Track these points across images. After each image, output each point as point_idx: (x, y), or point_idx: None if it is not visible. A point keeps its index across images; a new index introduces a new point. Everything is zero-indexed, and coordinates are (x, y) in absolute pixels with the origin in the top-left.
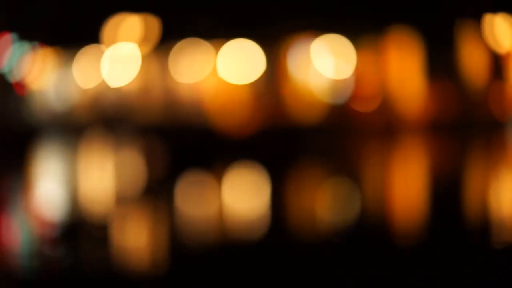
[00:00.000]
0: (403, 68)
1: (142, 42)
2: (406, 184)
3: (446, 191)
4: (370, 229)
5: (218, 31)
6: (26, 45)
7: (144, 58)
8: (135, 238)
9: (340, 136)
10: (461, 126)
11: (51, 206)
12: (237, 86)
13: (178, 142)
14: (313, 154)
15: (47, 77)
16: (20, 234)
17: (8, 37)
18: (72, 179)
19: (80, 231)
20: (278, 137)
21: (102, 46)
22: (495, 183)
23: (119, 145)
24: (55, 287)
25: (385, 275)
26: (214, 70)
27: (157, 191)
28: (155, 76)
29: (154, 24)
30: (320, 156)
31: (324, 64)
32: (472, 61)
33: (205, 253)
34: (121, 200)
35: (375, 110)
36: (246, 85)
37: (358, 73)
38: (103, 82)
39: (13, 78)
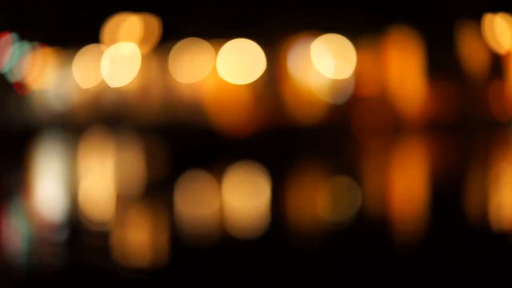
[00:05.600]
0: (403, 68)
1: (142, 42)
2: (406, 184)
3: (446, 191)
4: (370, 229)
5: (218, 31)
6: (26, 45)
7: (144, 58)
8: (135, 237)
9: (340, 136)
10: (461, 126)
11: (51, 206)
12: (237, 86)
13: (178, 142)
14: (313, 154)
15: (47, 77)
16: (20, 234)
17: (8, 37)
18: (72, 178)
19: (80, 231)
20: (278, 136)
21: (102, 46)
22: (495, 183)
23: (119, 145)
24: (55, 285)
25: (385, 274)
26: (214, 70)
27: (157, 191)
28: (155, 76)
29: (154, 24)
30: (320, 156)
31: (324, 64)
32: (472, 61)
33: (205, 253)
34: (121, 199)
35: (375, 110)
36: (246, 85)
37: (358, 73)
38: (103, 82)
39: (13, 78)
